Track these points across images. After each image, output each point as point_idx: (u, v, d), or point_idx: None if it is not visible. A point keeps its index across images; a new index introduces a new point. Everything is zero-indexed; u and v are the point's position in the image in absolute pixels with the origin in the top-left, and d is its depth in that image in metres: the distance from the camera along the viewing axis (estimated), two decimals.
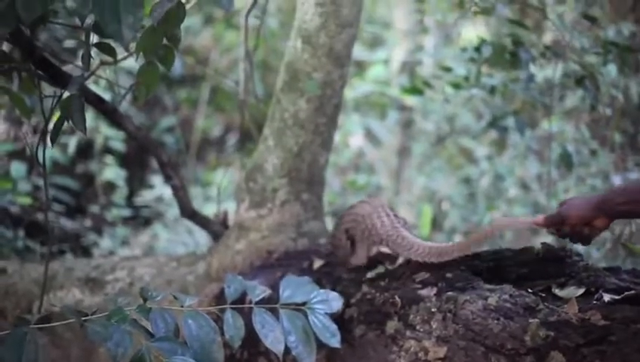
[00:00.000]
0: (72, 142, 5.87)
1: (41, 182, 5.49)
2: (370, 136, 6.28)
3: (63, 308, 2.52)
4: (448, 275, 2.35)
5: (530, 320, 2.06)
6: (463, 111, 5.39)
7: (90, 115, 5.51)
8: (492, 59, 3.64)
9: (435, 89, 4.36)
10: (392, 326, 2.33)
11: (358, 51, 6.93)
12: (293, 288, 2.38)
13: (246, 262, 2.85)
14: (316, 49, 2.76)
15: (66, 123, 2.30)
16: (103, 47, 2.30)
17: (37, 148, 2.41)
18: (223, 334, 2.17)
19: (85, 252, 5.22)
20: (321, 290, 2.39)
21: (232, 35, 8.13)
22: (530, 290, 2.20)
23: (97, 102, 2.60)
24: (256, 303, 2.28)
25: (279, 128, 2.86)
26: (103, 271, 3.25)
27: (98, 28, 2.16)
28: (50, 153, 5.72)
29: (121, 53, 2.59)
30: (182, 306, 2.18)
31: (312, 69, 2.78)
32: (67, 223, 5.36)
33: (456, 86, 3.99)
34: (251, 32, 3.16)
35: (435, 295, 2.29)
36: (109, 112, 2.65)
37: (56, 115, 2.34)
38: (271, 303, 2.31)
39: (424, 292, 2.33)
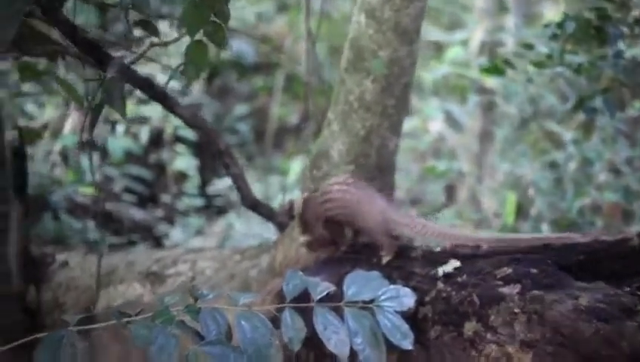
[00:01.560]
0: (144, 131, 5.77)
1: (112, 173, 5.40)
2: (450, 120, 6.01)
3: (112, 313, 2.34)
4: (533, 271, 2.10)
5: (628, 323, 1.80)
6: (547, 92, 5.11)
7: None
8: (576, 36, 3.38)
9: (516, 69, 4.08)
10: (470, 327, 2.09)
11: (437, 33, 6.69)
12: (360, 284, 2.16)
13: (311, 255, 2.64)
14: (381, 24, 2.54)
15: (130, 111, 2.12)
16: (145, 26, 2.11)
17: (81, 134, 2.23)
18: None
19: (156, 242, 5.11)
20: (391, 286, 2.16)
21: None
22: (627, 288, 1.94)
23: (146, 87, 2.41)
24: (319, 301, 2.08)
25: (344, 111, 2.64)
26: (165, 264, 3.09)
27: (138, 5, 1.98)
28: (123, 143, 5.64)
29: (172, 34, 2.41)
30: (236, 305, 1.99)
31: (378, 46, 2.56)
32: (138, 214, 5.25)
33: (539, 65, 3.73)
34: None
35: (518, 293, 2.05)
36: (159, 97, 2.46)
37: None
38: (336, 301, 2.10)
39: (506, 290, 2.08)
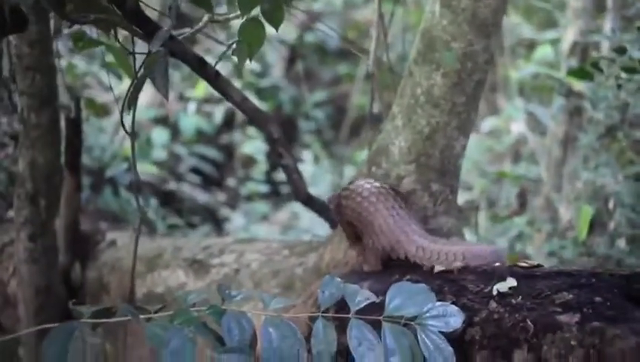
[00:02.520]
0: (219, 111, 5.68)
1: (181, 151, 5.31)
2: (533, 122, 5.76)
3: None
4: (596, 299, 1.88)
5: None
6: (638, 100, 4.83)
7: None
8: None
9: (606, 73, 3.84)
10: (519, 356, 1.88)
11: (529, 30, 6.42)
12: (404, 297, 1.97)
13: (359, 258, 2.45)
14: (457, 14, 2.33)
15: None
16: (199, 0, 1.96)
17: (122, 112, 2.10)
18: None
19: (217, 226, 5.00)
20: (438, 303, 1.97)
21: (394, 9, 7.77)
22: None
23: (197, 65, 2.26)
24: (357, 313, 1.90)
25: (409, 105, 2.45)
26: (211, 253, 2.96)
27: None
28: (195, 121, 5.55)
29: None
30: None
31: (451, 37, 2.36)
32: (201, 196, 5.15)
33: (631, 70, 3.49)
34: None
35: (577, 323, 1.83)
36: (211, 78, 2.31)
37: None
38: (379, 313, 1.93)
39: (564, 318, 1.87)
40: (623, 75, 3.76)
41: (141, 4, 2.14)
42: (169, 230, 4.35)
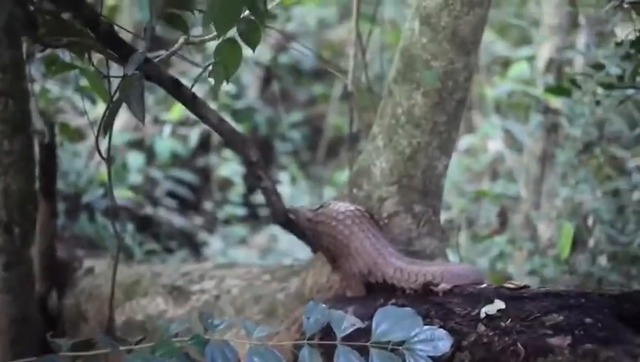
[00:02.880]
0: (194, 134, 5.62)
1: (156, 174, 5.24)
2: (511, 139, 5.74)
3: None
4: (587, 320, 1.85)
5: None
6: (615, 116, 4.82)
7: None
8: None
9: (583, 90, 3.82)
10: None
11: (503, 47, 6.43)
12: (391, 322, 1.92)
13: (342, 284, 2.40)
14: (437, 32, 2.30)
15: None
16: (173, 21, 1.91)
17: (97, 137, 2.04)
18: None
19: (195, 251, 4.93)
20: (426, 327, 1.92)
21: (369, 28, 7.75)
22: None
23: (172, 87, 2.21)
24: (343, 339, 1.85)
25: (390, 126, 2.41)
26: (191, 279, 2.90)
27: None
28: (170, 145, 5.50)
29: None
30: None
31: (432, 56, 2.32)
32: (178, 220, 5.08)
33: (609, 86, 3.47)
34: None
35: (569, 346, 1.80)
36: (187, 100, 2.26)
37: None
38: (366, 338, 1.88)
39: (555, 341, 1.83)
40: (600, 90, 3.72)
41: (115, 26, 2.10)
42: (146, 256, 4.28)
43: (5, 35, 2.41)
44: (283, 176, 5.77)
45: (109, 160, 2.06)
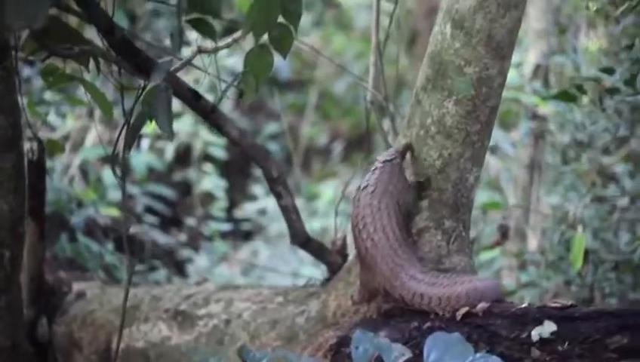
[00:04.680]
0: (170, 148, 5.43)
1: (134, 191, 5.04)
2: (495, 147, 5.63)
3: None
4: None
5: None
6: (603, 122, 4.75)
7: (188, 118, 5.05)
8: None
9: (587, 95, 3.74)
10: None
11: None
12: (442, 349, 1.78)
13: (371, 305, 2.25)
14: (471, 36, 2.16)
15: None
16: (200, 26, 1.74)
17: (114, 152, 1.87)
18: None
19: (178, 269, 4.74)
20: (479, 354, 1.78)
21: (343, 37, 7.61)
22: None
23: (192, 99, 2.04)
24: None
25: (418, 137, 2.26)
26: (195, 302, 2.72)
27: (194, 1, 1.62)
28: (146, 159, 5.30)
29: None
30: None
31: (465, 61, 2.18)
32: (161, 237, 4.87)
33: (615, 91, 3.40)
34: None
35: None
36: (207, 113, 2.10)
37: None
38: None
39: None
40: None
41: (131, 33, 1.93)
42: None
43: None
44: (258, 190, 5.59)
45: (124, 179, 1.89)
